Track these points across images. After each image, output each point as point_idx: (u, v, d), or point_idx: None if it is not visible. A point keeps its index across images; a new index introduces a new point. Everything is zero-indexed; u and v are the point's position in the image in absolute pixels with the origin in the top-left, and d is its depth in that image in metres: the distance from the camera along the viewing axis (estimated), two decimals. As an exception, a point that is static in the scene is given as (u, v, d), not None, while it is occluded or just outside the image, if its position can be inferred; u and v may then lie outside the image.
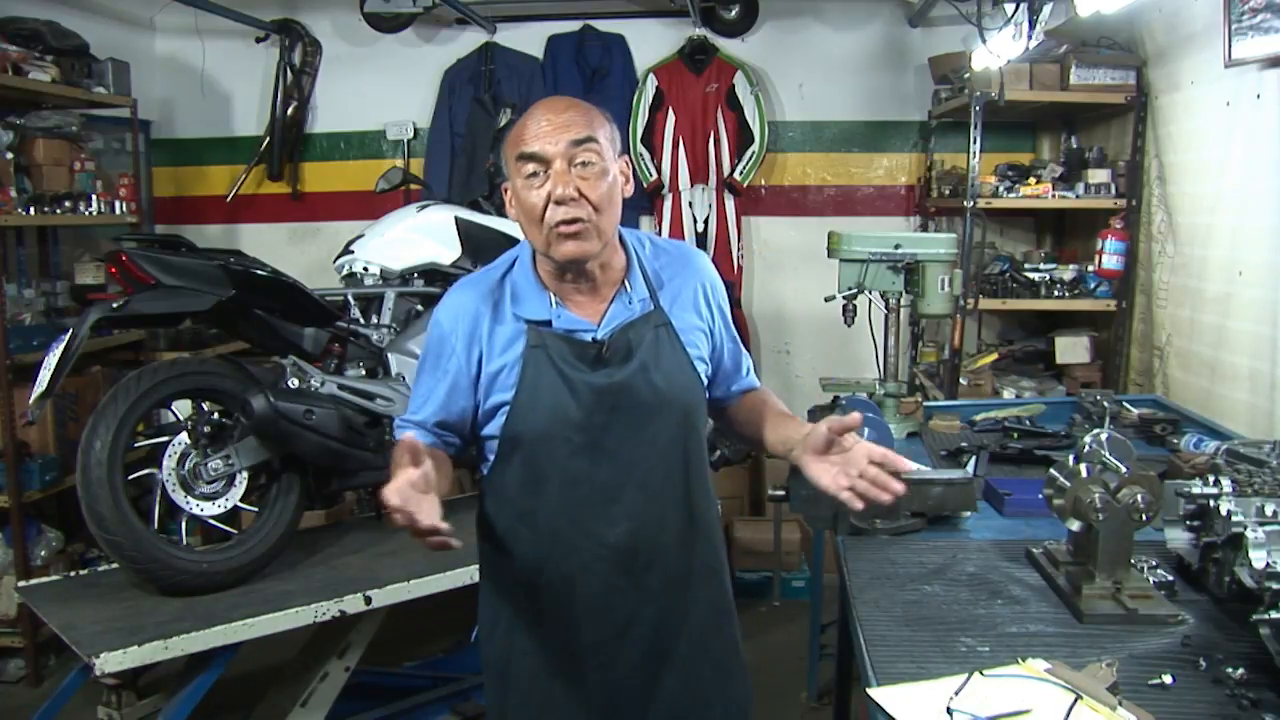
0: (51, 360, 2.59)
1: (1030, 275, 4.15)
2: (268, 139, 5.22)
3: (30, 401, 2.63)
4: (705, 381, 1.79)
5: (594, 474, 1.67)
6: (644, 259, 1.77)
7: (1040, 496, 1.88)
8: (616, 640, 1.72)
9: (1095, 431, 1.95)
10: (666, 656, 1.75)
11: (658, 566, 1.72)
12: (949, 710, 1.32)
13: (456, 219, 3.37)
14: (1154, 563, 1.78)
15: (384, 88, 5.24)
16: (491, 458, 1.73)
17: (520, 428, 1.67)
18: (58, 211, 3.94)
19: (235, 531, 2.84)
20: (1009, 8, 3.32)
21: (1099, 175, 3.99)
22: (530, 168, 1.61)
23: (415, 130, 5.23)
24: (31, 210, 3.82)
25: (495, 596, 1.80)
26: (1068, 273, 4.10)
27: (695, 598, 1.78)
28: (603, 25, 5.11)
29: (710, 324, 1.80)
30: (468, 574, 2.92)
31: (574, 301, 1.71)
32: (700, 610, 1.78)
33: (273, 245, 5.10)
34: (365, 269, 3.29)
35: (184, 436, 2.75)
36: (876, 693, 1.40)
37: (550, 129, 1.61)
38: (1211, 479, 1.66)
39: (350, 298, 3.24)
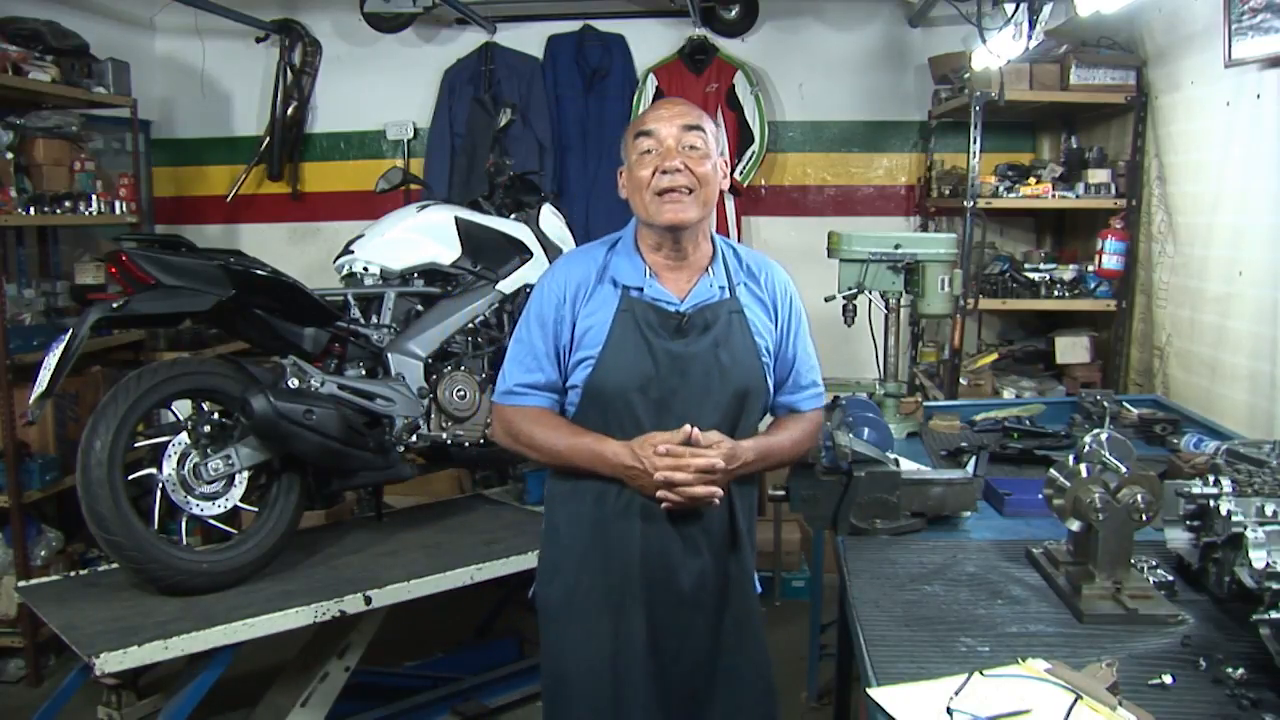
0: (51, 360, 2.59)
1: (1030, 275, 4.15)
2: (268, 139, 5.22)
3: (30, 401, 2.63)
4: (768, 372, 1.97)
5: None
6: (728, 257, 2.00)
7: (1040, 496, 1.88)
8: (663, 586, 1.89)
9: (1095, 431, 1.95)
10: (700, 607, 1.92)
11: (706, 520, 1.90)
12: (949, 710, 1.32)
13: (456, 219, 3.38)
14: (1154, 563, 1.78)
15: (384, 88, 5.24)
16: (572, 409, 1.94)
17: (602, 381, 1.88)
18: (58, 211, 3.93)
19: (235, 531, 2.84)
20: (1009, 8, 3.32)
21: (1099, 175, 3.99)
22: (645, 144, 1.88)
23: (415, 130, 5.23)
24: (31, 210, 3.81)
25: (563, 537, 1.97)
26: (1068, 273, 4.10)
27: (734, 559, 1.95)
28: (603, 25, 5.11)
29: (776, 324, 2.00)
30: (467, 574, 2.94)
31: (664, 277, 1.93)
32: (736, 576, 1.96)
33: (273, 245, 5.11)
34: (365, 269, 3.28)
35: (184, 436, 2.74)
36: (876, 693, 1.40)
37: (667, 114, 1.90)
38: (1211, 479, 1.66)
39: (350, 298, 3.24)
